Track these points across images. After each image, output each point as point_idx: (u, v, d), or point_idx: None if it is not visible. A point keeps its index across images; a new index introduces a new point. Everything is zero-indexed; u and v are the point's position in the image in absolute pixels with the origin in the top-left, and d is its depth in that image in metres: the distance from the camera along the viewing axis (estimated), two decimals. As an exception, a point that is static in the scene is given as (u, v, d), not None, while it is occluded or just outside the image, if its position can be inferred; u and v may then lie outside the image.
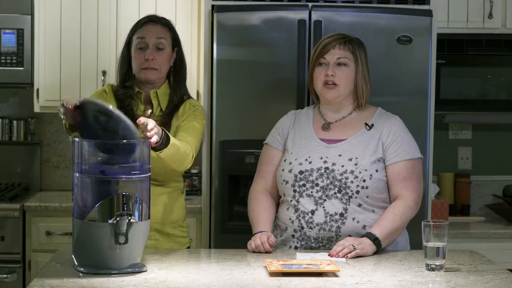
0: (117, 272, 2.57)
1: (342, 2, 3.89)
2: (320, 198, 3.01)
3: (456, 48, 4.37)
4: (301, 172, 3.04)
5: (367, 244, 2.90)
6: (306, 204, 3.02)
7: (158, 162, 2.87)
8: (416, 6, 3.90)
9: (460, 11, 4.39)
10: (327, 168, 3.03)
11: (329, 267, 2.63)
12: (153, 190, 2.83)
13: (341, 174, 3.01)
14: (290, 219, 3.05)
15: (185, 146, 3.04)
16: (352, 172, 3.00)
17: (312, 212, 3.01)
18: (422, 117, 3.82)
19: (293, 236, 3.05)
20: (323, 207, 3.01)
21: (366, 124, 3.11)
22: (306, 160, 3.06)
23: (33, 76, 4.45)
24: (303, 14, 3.80)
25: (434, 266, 2.69)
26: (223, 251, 3.04)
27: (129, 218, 2.55)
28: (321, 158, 3.05)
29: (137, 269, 2.61)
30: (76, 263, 2.62)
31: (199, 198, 4.38)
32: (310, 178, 3.03)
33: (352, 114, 3.15)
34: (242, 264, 2.76)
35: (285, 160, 3.12)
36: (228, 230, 3.81)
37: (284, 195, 3.10)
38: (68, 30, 4.44)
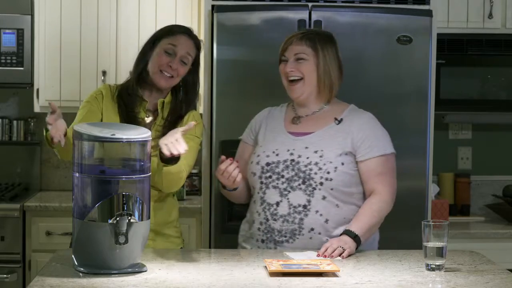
0: (117, 272, 2.57)
1: (342, 2, 3.89)
2: (285, 189, 3.03)
3: (456, 48, 4.37)
4: (267, 164, 3.07)
5: (349, 242, 2.91)
6: (272, 196, 3.04)
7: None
8: (416, 6, 3.90)
9: (460, 11, 4.39)
10: (292, 160, 3.05)
11: (329, 267, 2.63)
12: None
13: (305, 166, 3.02)
14: (257, 211, 3.08)
15: (179, 168, 3.05)
16: (316, 163, 3.02)
17: (277, 204, 3.03)
18: (422, 117, 3.82)
19: (258, 229, 3.06)
20: (287, 198, 3.02)
21: (336, 118, 3.13)
22: (273, 152, 3.09)
23: (33, 76, 4.45)
24: (303, 14, 3.80)
25: (434, 266, 2.69)
26: (223, 251, 3.04)
27: (129, 218, 2.55)
28: (288, 150, 3.08)
29: (137, 269, 2.61)
30: (76, 263, 2.63)
31: (199, 198, 4.38)
32: (276, 170, 3.05)
33: (323, 109, 3.16)
34: (242, 264, 2.76)
35: (254, 153, 3.15)
36: (228, 230, 3.80)
37: (253, 187, 3.12)
38: (68, 30, 4.44)
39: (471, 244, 3.90)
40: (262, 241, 3.05)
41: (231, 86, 3.83)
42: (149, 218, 2.65)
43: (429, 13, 3.85)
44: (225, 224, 3.81)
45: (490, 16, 4.38)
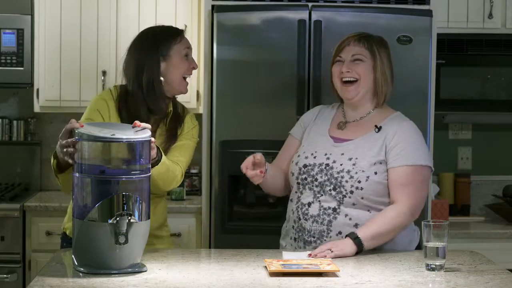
0: (117, 272, 2.57)
1: (342, 2, 3.89)
2: (318, 192, 3.04)
3: (456, 48, 4.37)
4: (304, 166, 3.08)
5: (347, 245, 2.89)
6: (307, 197, 3.06)
7: None
8: (416, 6, 3.90)
9: (460, 11, 4.39)
10: (327, 165, 3.05)
11: (329, 267, 2.63)
12: None
13: (338, 173, 3.02)
14: (292, 210, 3.11)
15: (174, 166, 3.05)
16: (348, 171, 3.01)
17: (309, 204, 3.04)
18: (422, 117, 3.81)
19: (293, 227, 3.10)
20: (319, 200, 3.03)
21: (376, 126, 3.11)
22: (312, 154, 3.10)
23: (33, 76, 4.45)
24: (303, 14, 3.80)
25: (434, 266, 2.69)
26: (223, 251, 3.04)
27: (129, 218, 2.55)
28: (325, 154, 3.08)
29: (137, 269, 2.61)
30: (76, 263, 2.62)
31: (199, 198, 4.38)
32: (312, 173, 3.06)
33: (370, 114, 3.15)
34: (242, 264, 2.76)
35: (296, 152, 3.17)
36: (228, 230, 3.81)
37: (291, 186, 3.15)
38: (68, 30, 4.44)
39: (471, 244, 3.91)
40: (295, 239, 3.08)
41: (231, 86, 3.83)
42: (149, 218, 2.65)
43: (429, 13, 3.85)
44: (225, 224, 3.81)
45: (490, 16, 4.38)
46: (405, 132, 3.07)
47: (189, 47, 3.20)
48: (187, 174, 4.59)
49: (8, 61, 4.42)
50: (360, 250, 2.92)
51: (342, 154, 3.06)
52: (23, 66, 4.43)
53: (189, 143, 3.18)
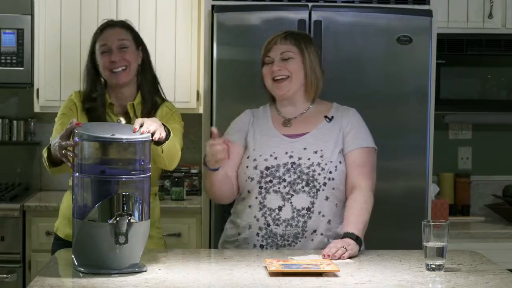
0: (117, 272, 2.57)
1: (342, 2, 3.89)
2: (287, 193, 3.02)
3: (456, 48, 4.37)
4: (267, 168, 3.04)
5: (353, 244, 2.90)
6: (273, 200, 3.02)
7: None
8: (416, 6, 3.90)
9: (460, 11, 4.39)
10: (293, 163, 3.04)
11: (329, 267, 2.63)
12: None
13: (308, 168, 3.02)
14: (255, 217, 3.03)
15: (173, 142, 3.04)
16: (318, 164, 3.02)
17: (280, 208, 3.01)
18: (422, 117, 3.82)
19: (257, 234, 3.04)
20: (291, 202, 3.01)
21: (326, 116, 3.13)
22: (271, 156, 3.06)
23: (33, 76, 4.45)
24: (303, 14, 3.80)
25: (434, 266, 2.69)
26: (223, 251, 3.05)
27: (129, 218, 2.56)
28: (286, 153, 3.06)
29: (137, 269, 2.61)
30: (76, 263, 2.63)
31: (199, 198, 4.38)
32: (277, 174, 3.03)
33: (309, 109, 3.16)
34: (242, 264, 2.76)
35: (248, 157, 3.09)
36: (228, 230, 3.80)
37: (248, 192, 3.07)
38: (68, 30, 4.44)
39: (471, 244, 3.90)
40: (262, 246, 3.03)
41: (231, 86, 3.83)
42: (149, 218, 2.65)
43: (429, 13, 3.86)
44: (225, 224, 3.81)
45: (490, 16, 4.38)
46: (356, 119, 3.14)
47: (105, 44, 3.21)
48: (187, 174, 4.60)
49: (8, 61, 4.42)
50: (360, 247, 2.93)
51: (305, 148, 3.06)
52: (23, 66, 4.43)
53: (176, 127, 3.16)
